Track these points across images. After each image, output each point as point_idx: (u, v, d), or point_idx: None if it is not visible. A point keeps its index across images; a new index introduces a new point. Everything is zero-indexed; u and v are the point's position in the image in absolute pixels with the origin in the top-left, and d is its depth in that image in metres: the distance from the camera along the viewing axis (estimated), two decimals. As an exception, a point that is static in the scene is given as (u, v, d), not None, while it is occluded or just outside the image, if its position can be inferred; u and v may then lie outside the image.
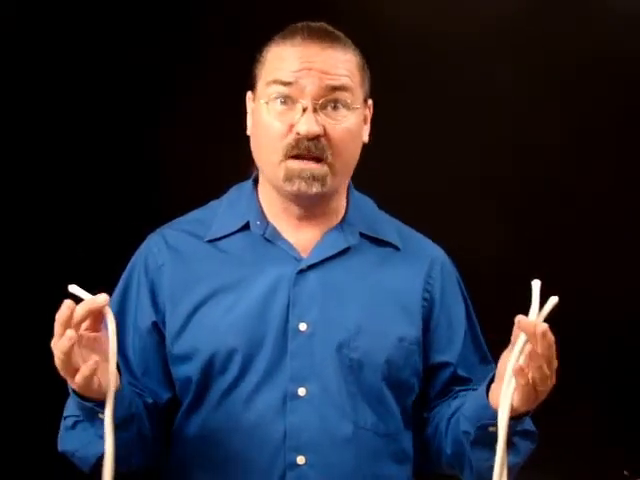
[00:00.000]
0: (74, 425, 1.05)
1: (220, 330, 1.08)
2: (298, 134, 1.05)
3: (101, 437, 0.94)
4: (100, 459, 0.96)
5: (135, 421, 1.03)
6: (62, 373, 0.93)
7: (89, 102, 2.06)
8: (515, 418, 0.96)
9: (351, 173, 1.15)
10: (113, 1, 2.07)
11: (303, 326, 1.08)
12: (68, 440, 1.07)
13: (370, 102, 1.16)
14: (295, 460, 1.05)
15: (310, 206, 1.12)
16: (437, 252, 1.21)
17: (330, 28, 1.12)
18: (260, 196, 1.16)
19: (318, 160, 1.06)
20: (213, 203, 1.22)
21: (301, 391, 1.06)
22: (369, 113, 1.16)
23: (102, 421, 0.94)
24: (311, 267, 1.10)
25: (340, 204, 1.17)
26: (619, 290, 2.20)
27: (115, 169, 2.09)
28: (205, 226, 1.15)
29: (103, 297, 0.93)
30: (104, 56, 2.06)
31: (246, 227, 1.13)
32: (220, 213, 1.17)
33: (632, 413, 2.22)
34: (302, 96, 1.05)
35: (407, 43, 2.11)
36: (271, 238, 1.12)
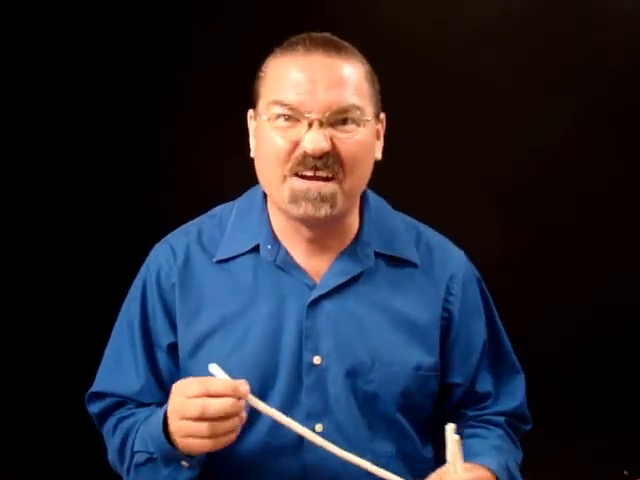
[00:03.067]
0: (146, 462, 0.98)
1: (229, 367, 0.97)
2: (304, 152, 0.95)
3: (173, 479, 0.94)
4: None
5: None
6: (210, 447, 0.89)
7: (89, 102, 2.06)
8: None
9: (360, 193, 1.05)
10: (113, 1, 2.07)
11: (317, 359, 1.02)
12: (135, 475, 1.01)
13: (382, 116, 1.06)
14: None
15: (321, 228, 1.03)
16: (457, 264, 1.11)
17: (334, 38, 1.02)
18: (270, 214, 1.07)
19: (327, 180, 0.96)
20: (222, 211, 1.13)
21: (318, 427, 1.02)
22: (382, 128, 1.06)
23: (181, 466, 0.93)
24: (323, 296, 1.03)
25: (354, 220, 1.07)
26: (621, 291, 2.21)
27: (115, 169, 2.09)
28: (214, 242, 1.08)
29: (246, 388, 0.89)
30: (104, 56, 2.06)
31: (256, 249, 1.05)
32: (229, 229, 1.09)
33: (632, 413, 2.22)
34: (307, 111, 0.95)
35: (408, 42, 2.12)
36: (282, 265, 1.04)
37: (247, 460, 1.03)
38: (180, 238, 1.09)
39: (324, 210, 0.97)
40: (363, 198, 1.09)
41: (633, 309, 2.21)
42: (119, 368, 1.04)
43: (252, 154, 1.04)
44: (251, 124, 1.05)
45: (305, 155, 0.95)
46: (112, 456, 1.04)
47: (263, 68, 1.01)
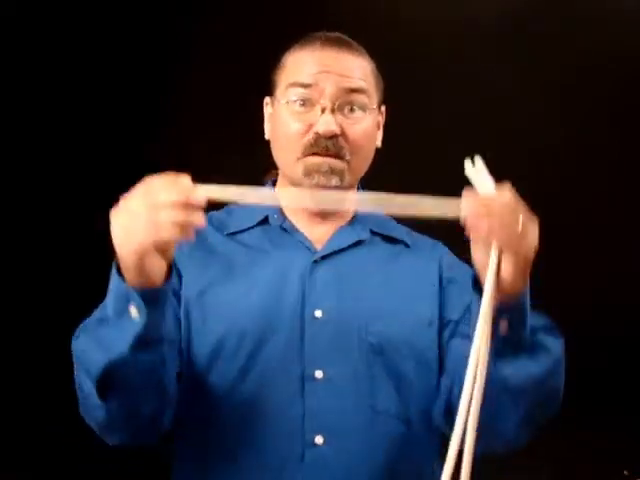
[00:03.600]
0: (98, 322, 0.96)
1: (233, 312, 1.09)
2: (317, 133, 1.09)
3: (123, 341, 0.88)
4: (108, 369, 0.90)
5: (161, 350, 0.95)
6: (145, 242, 0.85)
7: (89, 102, 2.06)
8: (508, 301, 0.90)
9: (363, 173, 1.17)
10: (114, 1, 2.07)
11: (319, 313, 1.09)
12: (85, 338, 0.97)
13: (383, 108, 1.20)
14: (314, 440, 1.06)
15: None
16: (444, 249, 1.23)
17: (346, 37, 1.17)
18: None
19: (336, 157, 1.10)
20: (231, 206, 1.24)
21: (318, 374, 1.07)
22: (382, 119, 1.21)
23: (130, 321, 0.88)
24: (325, 258, 1.13)
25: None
26: (621, 291, 2.21)
27: (115, 169, 2.09)
28: (223, 223, 1.19)
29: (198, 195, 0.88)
30: (104, 56, 2.06)
31: (265, 221, 1.17)
32: (240, 209, 1.19)
33: (632, 413, 2.22)
34: (321, 97, 1.10)
35: (407, 42, 2.12)
36: (288, 229, 1.16)
37: (245, 409, 1.07)
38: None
39: (334, 181, 1.10)
40: (359, 190, 1.20)
41: (633, 309, 2.21)
42: None
43: (267, 136, 1.18)
44: (267, 110, 1.19)
45: (317, 137, 1.09)
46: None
47: (282, 60, 1.16)
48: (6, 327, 2.01)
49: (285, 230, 1.16)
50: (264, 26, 2.11)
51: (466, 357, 0.98)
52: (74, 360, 0.98)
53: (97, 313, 0.99)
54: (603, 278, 2.20)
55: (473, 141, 2.13)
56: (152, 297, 0.88)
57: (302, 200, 1.14)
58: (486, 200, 0.90)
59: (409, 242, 1.21)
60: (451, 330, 1.13)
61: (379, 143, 1.19)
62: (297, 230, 1.16)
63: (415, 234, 1.24)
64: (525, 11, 2.20)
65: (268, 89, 1.18)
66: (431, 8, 2.17)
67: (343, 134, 1.10)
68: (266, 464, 1.07)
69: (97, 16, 2.06)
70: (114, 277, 0.89)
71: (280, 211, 1.18)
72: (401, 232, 1.22)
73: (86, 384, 0.95)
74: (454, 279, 1.16)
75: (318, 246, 1.15)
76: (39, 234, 2.06)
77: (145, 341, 0.90)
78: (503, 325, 0.90)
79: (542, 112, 2.18)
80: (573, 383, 2.01)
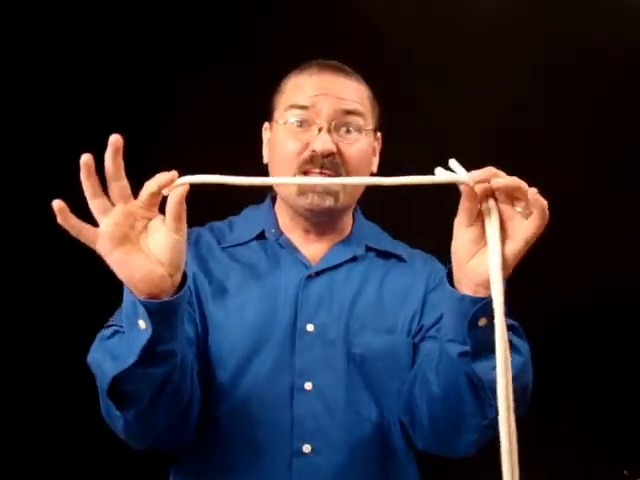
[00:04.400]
0: (113, 334, 0.98)
1: (226, 324, 1.11)
2: (314, 151, 1.11)
3: (131, 353, 0.87)
4: (118, 380, 0.90)
5: (173, 362, 0.93)
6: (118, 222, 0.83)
7: (89, 103, 2.06)
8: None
9: (358, 195, 1.20)
10: (114, 1, 2.07)
11: (310, 327, 1.12)
12: (99, 349, 0.98)
13: (379, 135, 1.23)
14: (301, 449, 1.08)
15: (321, 223, 1.18)
16: (436, 263, 1.26)
17: (343, 65, 1.21)
18: (277, 212, 1.24)
19: (331, 177, 1.11)
20: (231, 217, 1.28)
21: (307, 385, 1.10)
22: (378, 146, 1.23)
23: (138, 332, 0.87)
24: (319, 274, 1.16)
25: (348, 222, 1.24)
26: (621, 291, 2.20)
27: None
28: (222, 233, 1.23)
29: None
30: (104, 56, 2.06)
31: (261, 236, 1.21)
32: (238, 223, 1.25)
33: (632, 413, 2.22)
34: (318, 118, 1.12)
35: (408, 42, 2.12)
36: (284, 245, 1.19)
37: (234, 419, 1.09)
38: (192, 229, 1.22)
39: (328, 201, 1.12)
40: (354, 215, 1.26)
41: (633, 309, 2.21)
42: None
43: (265, 160, 1.21)
44: (265, 135, 1.23)
45: (314, 155, 1.11)
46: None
47: (281, 85, 1.20)
48: (6, 327, 2.01)
49: (281, 246, 1.19)
50: (267, 29, 2.11)
51: (431, 352, 1.01)
52: (94, 375, 0.98)
53: (108, 328, 1.01)
54: (603, 278, 2.20)
55: (473, 141, 2.15)
56: (158, 309, 0.86)
57: (293, 183, 1.14)
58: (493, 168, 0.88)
59: (404, 256, 1.25)
60: (422, 334, 1.16)
61: (375, 169, 1.22)
62: (293, 246, 1.19)
63: (410, 249, 1.28)
64: (525, 11, 2.20)
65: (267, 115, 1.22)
66: (431, 8, 2.17)
67: (339, 153, 1.12)
68: (254, 472, 1.08)
69: (97, 16, 2.06)
70: (125, 289, 0.89)
71: (276, 226, 1.21)
72: (396, 246, 1.26)
73: (104, 395, 0.95)
74: (436, 287, 1.19)
75: (313, 262, 1.18)
76: (40, 236, 2.06)
77: (154, 353, 0.88)
78: (482, 321, 0.89)
79: (542, 112, 2.18)
80: (573, 383, 2.01)
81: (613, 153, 2.23)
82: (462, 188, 0.86)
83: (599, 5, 2.22)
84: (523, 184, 0.85)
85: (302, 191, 1.12)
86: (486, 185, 0.85)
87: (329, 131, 1.11)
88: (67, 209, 0.80)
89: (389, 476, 1.14)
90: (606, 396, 2.21)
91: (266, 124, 1.23)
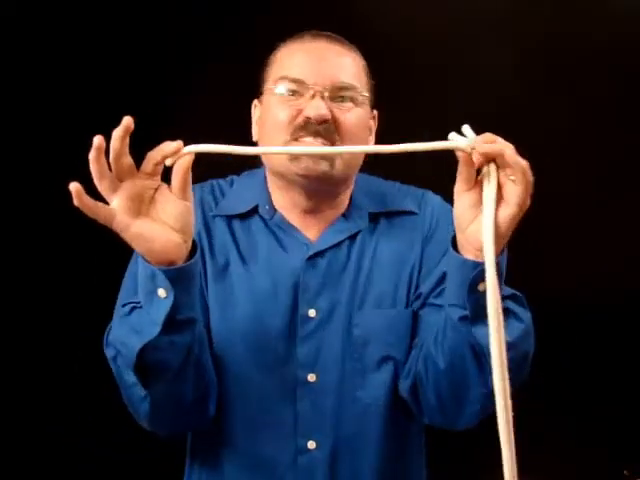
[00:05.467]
0: (131, 311, 0.97)
1: (224, 317, 1.07)
2: (307, 117, 1.03)
3: (154, 323, 0.88)
4: (143, 353, 0.90)
5: (195, 329, 0.94)
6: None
7: (89, 103, 2.06)
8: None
9: (356, 167, 1.12)
10: (115, 1, 2.07)
11: (312, 312, 1.08)
12: (120, 326, 0.97)
13: (375, 113, 1.15)
14: (306, 445, 1.06)
15: (316, 193, 1.10)
16: (435, 200, 1.20)
17: (336, 35, 1.13)
18: (270, 188, 1.15)
19: (326, 142, 1.04)
20: (234, 179, 1.21)
21: (311, 377, 1.07)
22: (374, 124, 1.15)
23: (159, 302, 0.88)
24: (319, 253, 1.10)
25: (346, 197, 1.15)
26: (621, 290, 2.20)
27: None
28: (222, 200, 1.16)
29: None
30: (104, 56, 2.06)
31: (254, 211, 1.13)
32: (234, 192, 1.17)
33: (632, 413, 2.22)
34: (312, 85, 1.05)
35: (408, 42, 2.12)
36: (280, 224, 1.11)
37: (239, 407, 1.06)
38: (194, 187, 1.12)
39: (323, 165, 1.03)
40: (353, 183, 1.16)
41: (633, 308, 2.21)
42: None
43: (254, 138, 1.13)
44: (255, 112, 1.14)
45: (307, 121, 1.02)
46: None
47: (272, 55, 1.12)
48: (6, 326, 2.01)
49: (278, 225, 1.12)
50: (266, 27, 2.11)
51: (433, 326, 0.99)
52: (112, 357, 0.97)
53: (124, 307, 0.99)
54: (603, 277, 2.20)
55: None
56: (177, 275, 0.87)
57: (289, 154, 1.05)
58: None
59: (415, 209, 1.16)
60: (422, 301, 1.10)
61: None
62: (289, 224, 1.12)
63: (413, 190, 1.20)
64: (525, 11, 2.20)
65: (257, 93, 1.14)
66: (431, 8, 2.17)
67: (334, 121, 1.04)
68: (258, 468, 1.06)
69: (97, 16, 2.06)
70: (141, 263, 0.89)
71: (270, 202, 1.13)
72: (404, 199, 1.17)
73: (128, 375, 0.95)
74: (435, 238, 1.13)
75: (311, 241, 1.11)
76: (41, 237, 2.06)
77: (177, 321, 0.90)
78: (482, 286, 0.88)
79: (542, 112, 2.18)
80: (573, 382, 2.01)
81: (613, 153, 2.23)
82: (458, 154, 0.86)
83: (599, 5, 2.22)
84: (507, 150, 0.86)
85: (295, 155, 1.04)
86: (480, 151, 0.85)
87: (323, 98, 1.04)
88: (83, 191, 0.81)
89: (398, 465, 1.11)
90: (606, 396, 2.21)
91: (255, 101, 1.15)
